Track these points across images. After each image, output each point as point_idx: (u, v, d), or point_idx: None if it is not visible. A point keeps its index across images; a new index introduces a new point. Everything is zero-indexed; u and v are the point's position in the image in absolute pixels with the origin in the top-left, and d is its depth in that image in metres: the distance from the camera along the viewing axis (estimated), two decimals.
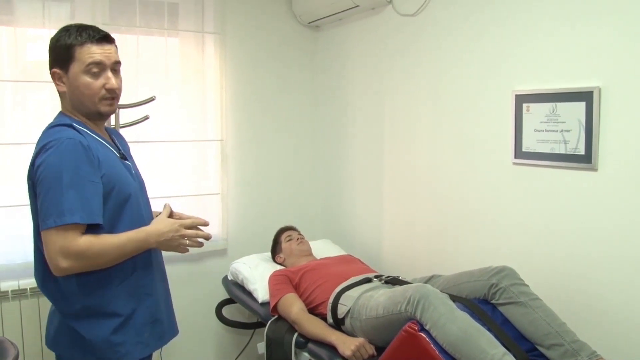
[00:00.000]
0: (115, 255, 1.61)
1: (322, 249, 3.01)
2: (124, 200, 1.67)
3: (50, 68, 1.68)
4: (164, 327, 1.80)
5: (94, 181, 1.58)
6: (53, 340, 1.73)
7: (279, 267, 2.78)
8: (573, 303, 2.00)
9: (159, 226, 1.68)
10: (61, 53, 1.64)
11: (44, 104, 2.76)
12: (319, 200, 3.51)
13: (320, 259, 2.75)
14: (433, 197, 2.62)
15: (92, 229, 1.58)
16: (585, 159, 1.93)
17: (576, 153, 1.96)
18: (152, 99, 2.74)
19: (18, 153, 2.68)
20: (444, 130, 2.54)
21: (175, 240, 1.69)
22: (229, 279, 2.96)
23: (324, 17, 3.14)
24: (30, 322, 2.69)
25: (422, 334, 1.75)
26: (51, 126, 1.66)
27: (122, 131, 2.75)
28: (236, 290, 2.84)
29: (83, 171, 1.55)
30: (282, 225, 3.00)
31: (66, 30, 1.65)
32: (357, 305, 2.11)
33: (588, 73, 1.92)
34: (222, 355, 3.28)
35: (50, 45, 1.67)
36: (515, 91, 2.17)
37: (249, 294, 2.75)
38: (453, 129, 2.49)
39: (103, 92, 1.66)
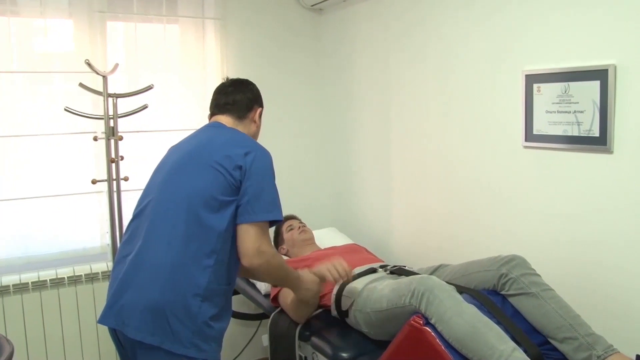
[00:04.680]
0: (283, 276, 1.89)
1: (328, 237, 2.93)
2: None
3: (255, 104, 2.02)
4: None
5: None
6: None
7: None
8: (588, 292, 1.91)
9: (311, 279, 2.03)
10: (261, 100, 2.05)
11: (54, 96, 2.75)
12: (327, 188, 3.43)
13: (325, 248, 2.67)
14: (442, 182, 2.55)
15: None
16: (600, 141, 1.84)
17: (590, 135, 1.87)
18: (149, 88, 2.67)
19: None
20: (452, 113, 2.46)
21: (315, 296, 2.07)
22: None
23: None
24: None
25: (428, 328, 1.66)
26: (241, 135, 1.91)
27: (120, 121, 2.70)
28: (240, 281, 2.78)
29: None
30: (286, 213, 2.92)
31: None
32: (361, 298, 2.03)
33: (602, 50, 1.82)
34: (229, 346, 3.23)
35: (256, 89, 2.06)
36: (525, 71, 2.07)
37: (253, 285, 2.69)
38: (461, 112, 2.40)
39: None
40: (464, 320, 1.61)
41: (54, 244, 2.79)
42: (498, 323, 1.70)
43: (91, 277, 2.80)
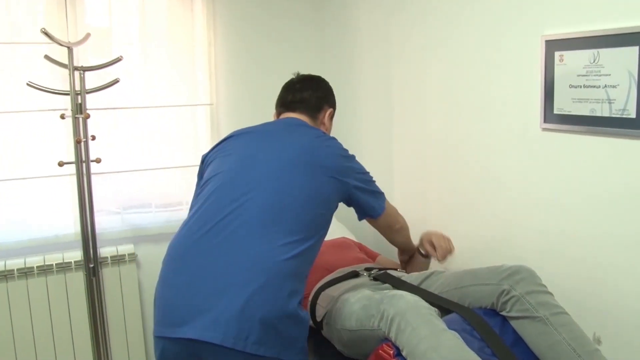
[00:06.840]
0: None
1: None
2: None
3: (326, 103, 1.96)
4: None
5: None
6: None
7: None
8: (614, 304, 1.58)
9: None
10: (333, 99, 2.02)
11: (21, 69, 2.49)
12: None
13: None
14: (447, 168, 2.23)
15: None
16: (637, 123, 1.50)
17: (624, 116, 1.54)
18: (118, 60, 2.39)
19: None
20: (458, 87, 2.12)
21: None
22: None
23: None
24: None
25: None
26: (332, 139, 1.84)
27: (92, 96, 2.44)
28: None
29: None
30: None
31: None
32: (334, 310, 1.71)
33: None
34: None
35: (327, 87, 2.01)
36: (545, 36, 1.73)
37: None
38: (469, 86, 2.07)
39: None
40: (441, 356, 1.26)
41: (22, 230, 2.58)
42: (492, 355, 1.35)
43: (63, 267, 2.58)
